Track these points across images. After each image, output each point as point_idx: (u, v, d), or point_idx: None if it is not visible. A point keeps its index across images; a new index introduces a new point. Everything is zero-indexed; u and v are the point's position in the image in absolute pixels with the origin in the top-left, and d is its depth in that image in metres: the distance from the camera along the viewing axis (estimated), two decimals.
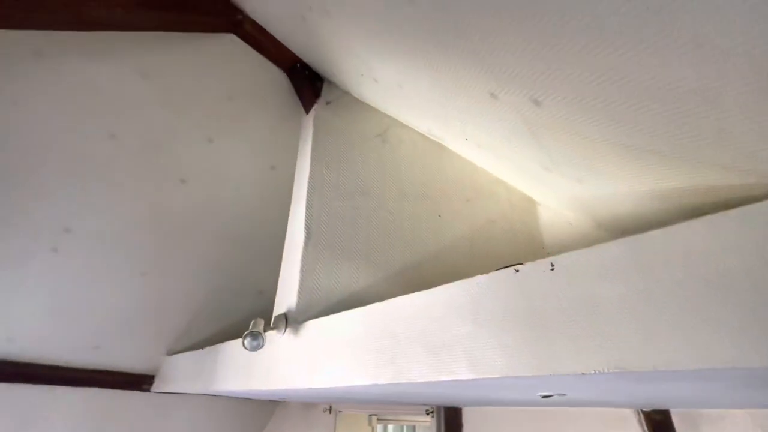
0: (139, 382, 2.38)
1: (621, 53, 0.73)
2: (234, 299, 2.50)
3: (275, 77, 1.98)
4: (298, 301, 1.40)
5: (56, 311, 2.02)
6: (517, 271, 0.82)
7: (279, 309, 1.49)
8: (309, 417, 2.73)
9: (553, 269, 0.77)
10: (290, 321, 1.39)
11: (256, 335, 1.31)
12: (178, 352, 2.41)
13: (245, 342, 1.30)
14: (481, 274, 0.88)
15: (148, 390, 2.41)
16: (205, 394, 2.63)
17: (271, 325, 1.40)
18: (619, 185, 1.25)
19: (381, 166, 1.76)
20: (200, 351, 2.07)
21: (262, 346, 1.30)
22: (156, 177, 1.96)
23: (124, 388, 2.35)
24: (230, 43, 1.81)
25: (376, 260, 1.54)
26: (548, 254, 1.91)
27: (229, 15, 1.68)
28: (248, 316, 2.59)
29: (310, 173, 1.66)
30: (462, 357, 0.85)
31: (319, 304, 1.42)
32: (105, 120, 1.76)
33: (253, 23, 1.76)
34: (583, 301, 0.71)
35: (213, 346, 1.96)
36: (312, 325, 1.31)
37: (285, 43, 1.85)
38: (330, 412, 2.56)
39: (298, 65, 1.93)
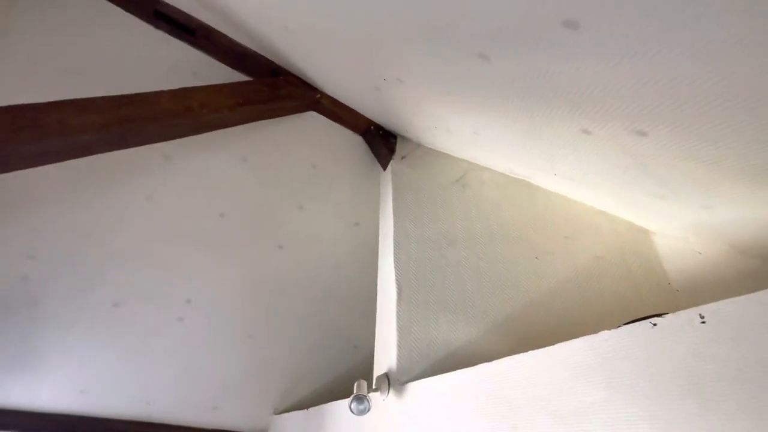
0: None
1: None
2: (331, 355, 2.55)
3: (352, 141, 2.12)
4: (399, 361, 1.37)
5: (182, 376, 2.26)
6: (655, 324, 0.71)
7: (379, 369, 1.47)
8: None
9: (704, 322, 0.65)
10: (392, 382, 1.36)
11: (361, 399, 1.29)
12: (284, 411, 2.50)
13: (352, 406, 1.29)
14: (596, 316, 0.77)
15: None
16: None
17: (374, 386, 1.39)
18: (757, 208, 1.05)
19: (465, 212, 1.73)
20: (305, 411, 2.11)
21: (369, 410, 1.28)
22: (257, 247, 2.17)
23: None
24: (311, 118, 2.00)
25: (474, 312, 1.46)
26: (677, 291, 1.65)
27: (309, 96, 1.87)
28: (345, 372, 2.62)
29: (394, 228, 1.69)
30: (600, 430, 0.74)
31: (420, 364, 1.37)
32: (215, 201, 2.03)
33: (330, 99, 1.94)
34: (754, 363, 0.57)
35: (317, 407, 2.00)
36: (415, 387, 1.26)
37: (359, 111, 1.99)
38: None
39: (372, 127, 2.06)
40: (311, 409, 2.05)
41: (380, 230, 1.88)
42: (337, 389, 2.66)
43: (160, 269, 2.05)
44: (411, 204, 1.76)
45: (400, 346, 1.39)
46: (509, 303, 1.50)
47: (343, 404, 1.69)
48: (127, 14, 1.67)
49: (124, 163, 1.80)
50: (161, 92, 1.42)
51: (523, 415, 0.88)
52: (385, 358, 1.46)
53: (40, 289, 1.89)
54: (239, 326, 2.27)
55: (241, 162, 2.00)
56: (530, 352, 0.91)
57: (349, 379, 2.42)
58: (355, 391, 1.33)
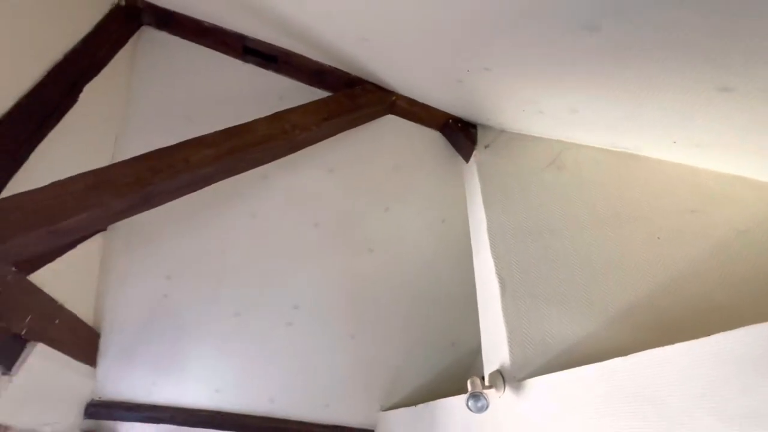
0: None
1: None
2: (430, 353, 2.57)
3: (431, 137, 2.11)
4: (512, 357, 1.32)
5: (296, 375, 2.45)
6: None
7: (491, 366, 1.44)
8: None
9: None
10: (507, 379, 1.32)
11: (478, 396, 1.27)
12: (390, 408, 2.58)
13: (469, 404, 1.28)
14: (744, 299, 0.65)
15: None
16: None
17: (487, 383, 1.36)
18: None
19: (564, 196, 1.61)
20: (413, 408, 2.15)
21: (487, 408, 1.26)
22: (350, 251, 2.27)
23: None
24: (389, 122, 2.03)
25: (590, 303, 1.35)
26: None
27: (385, 100, 1.90)
28: (445, 369, 2.62)
29: (487, 221, 1.63)
30: None
31: (536, 360, 1.31)
32: (309, 213, 2.17)
33: (405, 99, 1.95)
34: None
35: (425, 404, 2.02)
36: (534, 384, 1.20)
37: (435, 106, 1.97)
38: None
39: (450, 121, 2.02)
40: (419, 406, 2.08)
41: (471, 225, 1.84)
42: (438, 386, 2.66)
43: (268, 279, 2.25)
44: (501, 194, 1.69)
45: (511, 342, 1.35)
46: (630, 290, 1.36)
47: (455, 401, 1.69)
48: (220, 54, 1.87)
49: (230, 188, 2.00)
50: (258, 120, 1.55)
51: (676, 416, 0.79)
52: (496, 354, 1.42)
53: (177, 305, 2.20)
54: (342, 327, 2.39)
55: (328, 173, 2.10)
56: (680, 344, 0.81)
57: (449, 376, 2.41)
58: (469, 389, 1.32)
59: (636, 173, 1.63)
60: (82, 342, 2.04)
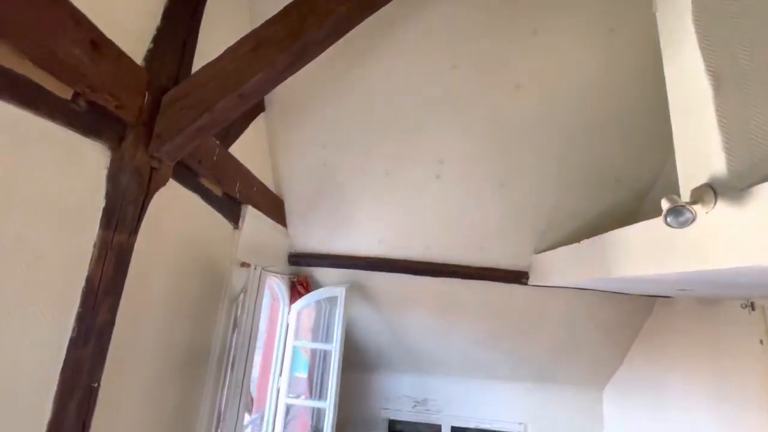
0: (517, 277, 2.77)
1: None
2: (589, 193, 2.39)
3: None
4: (730, 165, 1.09)
5: (449, 224, 2.62)
6: None
7: (691, 182, 1.23)
8: (715, 313, 2.32)
9: None
10: (720, 191, 1.13)
11: (680, 211, 1.13)
12: (543, 251, 2.61)
13: (668, 219, 1.15)
14: None
15: (525, 283, 2.77)
16: (574, 288, 2.75)
17: (690, 199, 1.18)
18: None
19: None
20: (576, 245, 2.12)
21: (693, 220, 1.12)
22: (494, 92, 2.07)
23: (506, 281, 2.81)
24: None
25: None
26: None
27: None
28: (607, 208, 2.43)
29: (693, 8, 1.23)
30: None
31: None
32: (445, 55, 1.98)
33: None
34: None
35: (591, 239, 1.96)
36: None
37: None
38: (752, 309, 2.05)
39: None
40: (584, 242, 2.03)
41: (661, 21, 1.43)
42: (597, 229, 2.53)
43: (411, 135, 2.27)
44: None
45: (729, 147, 1.10)
46: None
47: (636, 228, 1.58)
48: None
49: (367, 39, 1.93)
50: None
51: None
52: (701, 167, 1.20)
53: (336, 170, 2.45)
54: (489, 176, 2.36)
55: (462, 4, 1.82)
56: None
57: (611, 218, 2.23)
58: (667, 206, 1.17)
59: None
60: (273, 206, 2.50)
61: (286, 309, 3.02)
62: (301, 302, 2.97)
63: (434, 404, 3.50)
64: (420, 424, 3.61)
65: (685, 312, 2.58)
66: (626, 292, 2.75)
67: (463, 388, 3.50)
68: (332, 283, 3.04)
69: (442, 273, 2.84)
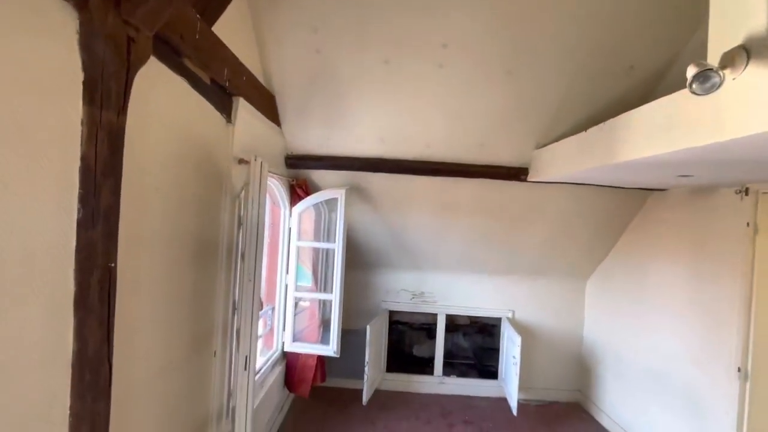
0: (516, 174, 2.77)
1: None
2: (600, 81, 2.26)
3: None
4: None
5: (451, 119, 2.52)
6: None
7: (723, 42, 1.14)
8: (707, 201, 2.39)
9: None
10: (756, 51, 1.04)
11: (708, 75, 1.06)
12: (545, 145, 2.56)
13: (693, 86, 1.09)
14: None
15: (524, 180, 2.78)
16: (571, 183, 2.77)
17: (720, 63, 1.10)
18: None
19: None
20: (581, 134, 2.07)
21: (720, 85, 1.06)
22: None
23: (505, 178, 2.81)
24: None
25: None
26: None
27: None
28: (619, 97, 2.33)
29: None
30: None
31: None
32: None
33: None
34: None
35: (598, 126, 1.90)
36: None
37: None
38: (746, 194, 2.10)
39: None
40: (590, 130, 1.98)
41: None
42: (610, 115, 2.46)
43: (412, 17, 2.04)
44: None
45: None
46: None
47: (642, 110, 1.52)
48: None
49: None
50: None
51: None
52: (734, 28, 1.10)
53: (330, 59, 2.24)
54: (496, 63, 2.19)
55: None
56: None
57: (625, 105, 2.14)
58: (694, 70, 1.10)
59: None
60: (265, 101, 2.35)
61: (287, 212, 3.05)
62: (301, 204, 2.99)
63: (430, 296, 3.79)
64: (417, 313, 3.96)
65: (677, 204, 2.65)
66: (622, 185, 2.79)
67: (457, 282, 3.75)
68: (331, 185, 3.02)
69: (441, 172, 2.82)
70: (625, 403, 3.06)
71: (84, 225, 1.02)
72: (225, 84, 1.75)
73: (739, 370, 2.09)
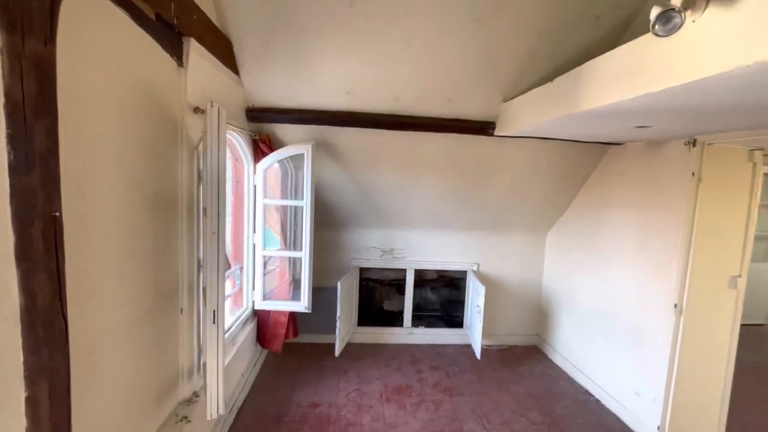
0: (484, 128, 2.78)
1: None
2: (567, 31, 2.24)
3: None
4: None
5: (419, 72, 2.44)
6: None
7: None
8: (659, 154, 2.52)
9: None
10: None
11: (670, 15, 1.07)
12: (513, 98, 2.56)
13: (656, 27, 1.10)
14: None
15: (491, 134, 2.80)
16: (535, 137, 2.83)
17: (681, 4, 1.11)
18: None
19: None
20: (548, 84, 2.08)
21: (681, 26, 1.08)
22: None
23: (473, 133, 2.81)
24: None
25: None
26: None
27: None
28: (584, 49, 2.33)
29: None
30: None
31: None
32: None
33: None
34: None
35: (565, 75, 1.91)
36: None
37: None
38: (693, 146, 2.23)
39: None
40: (557, 80, 1.99)
41: None
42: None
43: None
44: None
45: None
46: None
47: (607, 57, 1.53)
48: None
49: None
50: None
51: None
52: None
53: (291, 0, 2.08)
54: (464, 10, 2.12)
55: None
56: None
57: (591, 56, 2.15)
58: (657, 11, 1.10)
59: None
60: (221, 46, 2.17)
61: (251, 168, 2.93)
62: (266, 161, 2.88)
63: (400, 252, 3.86)
64: (387, 270, 4.04)
65: (632, 157, 2.78)
66: (584, 140, 2.87)
67: (425, 238, 3.83)
68: (296, 141, 2.91)
69: (410, 126, 2.78)
70: (577, 342, 3.34)
71: (17, 169, 0.92)
72: (173, 21, 1.59)
73: (675, 306, 2.31)
